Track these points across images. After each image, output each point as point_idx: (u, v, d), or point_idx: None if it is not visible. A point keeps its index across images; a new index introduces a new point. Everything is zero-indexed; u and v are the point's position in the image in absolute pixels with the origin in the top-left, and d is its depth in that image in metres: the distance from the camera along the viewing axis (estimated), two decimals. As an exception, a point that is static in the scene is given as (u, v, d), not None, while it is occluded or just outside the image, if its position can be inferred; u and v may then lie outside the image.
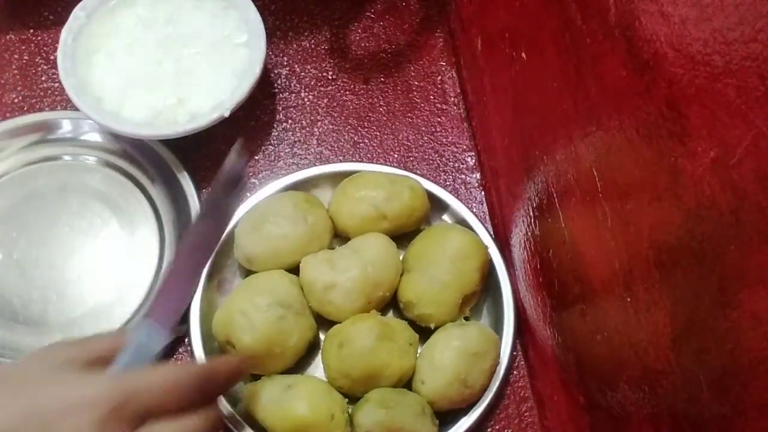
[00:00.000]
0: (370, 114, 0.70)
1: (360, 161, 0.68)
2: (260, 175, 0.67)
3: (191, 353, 0.57)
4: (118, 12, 0.65)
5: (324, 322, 0.59)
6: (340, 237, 0.61)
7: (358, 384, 0.54)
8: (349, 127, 0.70)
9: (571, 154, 0.44)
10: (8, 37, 0.72)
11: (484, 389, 0.55)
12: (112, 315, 0.60)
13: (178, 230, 0.62)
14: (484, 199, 0.67)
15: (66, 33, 0.63)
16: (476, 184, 0.67)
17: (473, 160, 0.68)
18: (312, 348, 0.58)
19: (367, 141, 0.69)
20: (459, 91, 0.71)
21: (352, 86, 0.72)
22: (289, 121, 0.70)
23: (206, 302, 0.59)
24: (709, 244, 0.31)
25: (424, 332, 0.57)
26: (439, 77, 0.72)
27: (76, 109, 0.61)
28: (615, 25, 0.37)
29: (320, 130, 0.69)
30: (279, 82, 0.71)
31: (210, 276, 0.59)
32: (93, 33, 0.64)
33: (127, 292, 0.61)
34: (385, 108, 0.71)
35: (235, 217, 0.61)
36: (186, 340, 0.59)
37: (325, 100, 0.71)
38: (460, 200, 0.63)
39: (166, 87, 0.62)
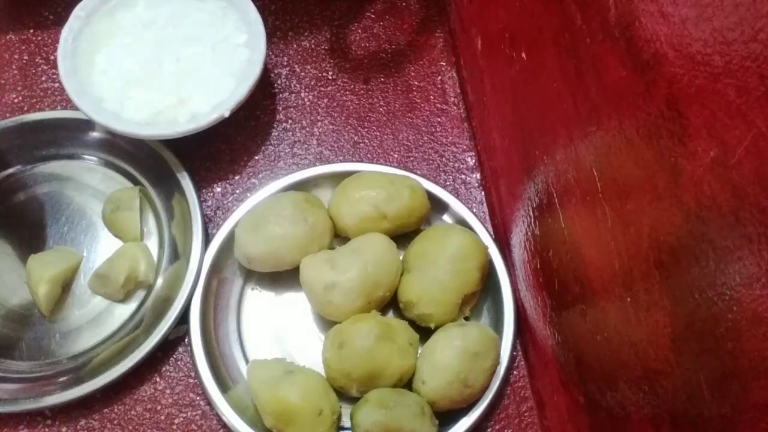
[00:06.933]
0: (370, 114, 0.70)
1: (360, 161, 0.68)
2: (260, 175, 0.67)
3: (191, 353, 0.57)
4: (118, 12, 0.65)
5: (324, 322, 0.59)
6: (340, 237, 0.61)
7: (358, 384, 0.54)
8: (349, 127, 0.70)
9: (571, 154, 0.44)
10: (8, 37, 0.72)
11: (485, 389, 0.55)
12: (112, 314, 0.60)
13: (178, 230, 0.62)
14: (484, 199, 0.67)
15: (66, 33, 0.63)
16: (476, 184, 0.67)
17: (473, 160, 0.68)
18: (314, 346, 0.58)
19: (367, 141, 0.69)
20: (459, 91, 0.71)
21: (352, 86, 0.72)
22: (289, 121, 0.70)
23: (206, 302, 0.59)
24: (709, 244, 0.31)
25: (424, 332, 0.57)
26: (439, 77, 0.72)
27: (76, 109, 0.61)
28: (615, 25, 0.37)
29: (320, 130, 0.69)
30: (279, 82, 0.71)
31: (210, 276, 0.60)
32: (93, 33, 0.64)
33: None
34: (385, 108, 0.71)
35: (236, 217, 0.61)
36: (186, 339, 0.59)
37: (325, 100, 0.71)
38: (460, 200, 0.63)
39: (166, 87, 0.62)
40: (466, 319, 0.59)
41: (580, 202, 0.44)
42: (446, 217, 0.64)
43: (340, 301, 0.55)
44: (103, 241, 0.63)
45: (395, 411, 0.52)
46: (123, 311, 0.60)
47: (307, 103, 0.71)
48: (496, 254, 0.60)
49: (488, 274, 0.60)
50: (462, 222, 0.62)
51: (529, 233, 0.55)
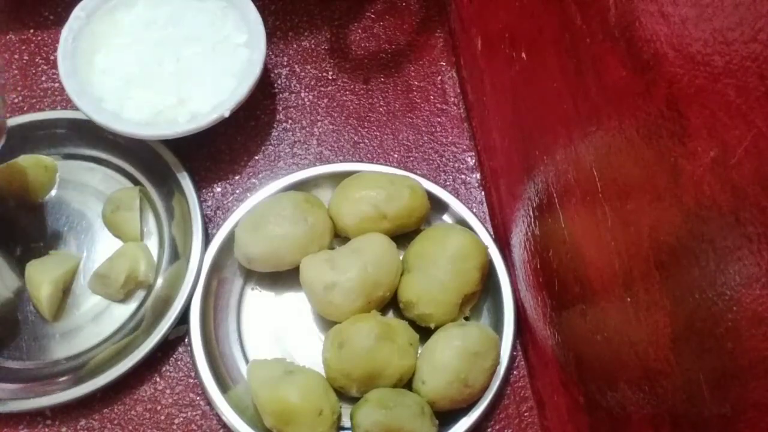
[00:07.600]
0: (370, 114, 0.70)
1: (360, 161, 0.68)
2: (260, 175, 0.67)
3: (191, 353, 0.57)
4: (119, 12, 0.65)
5: (324, 322, 0.59)
6: (340, 237, 0.61)
7: (358, 384, 0.54)
8: (349, 127, 0.70)
9: (571, 154, 0.44)
10: (8, 37, 0.72)
11: (485, 389, 0.55)
12: (112, 314, 0.60)
13: (178, 230, 0.62)
14: (484, 199, 0.67)
15: (66, 33, 0.63)
16: (476, 184, 0.67)
17: (473, 160, 0.68)
18: (314, 346, 0.58)
19: (367, 141, 0.69)
20: (459, 91, 0.71)
21: (352, 86, 0.72)
22: (289, 121, 0.70)
23: (206, 302, 0.59)
24: (709, 244, 0.31)
25: (424, 332, 0.57)
26: (439, 77, 0.72)
27: (76, 109, 0.61)
28: (615, 25, 0.37)
29: (320, 130, 0.69)
30: (279, 82, 0.72)
31: (210, 276, 0.60)
32: (93, 33, 0.64)
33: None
34: (385, 108, 0.71)
35: (236, 217, 0.61)
36: (186, 340, 0.59)
37: (325, 100, 0.71)
38: (460, 200, 0.63)
39: (166, 87, 0.62)
40: (466, 319, 0.59)
41: (580, 202, 0.44)
42: (446, 217, 0.64)
43: (340, 301, 0.55)
44: (103, 241, 0.63)
45: (395, 411, 0.52)
46: (123, 311, 0.60)
47: (307, 103, 0.71)
48: (496, 254, 0.60)
49: (488, 274, 0.60)
50: (462, 222, 0.62)
51: (529, 233, 0.55)
